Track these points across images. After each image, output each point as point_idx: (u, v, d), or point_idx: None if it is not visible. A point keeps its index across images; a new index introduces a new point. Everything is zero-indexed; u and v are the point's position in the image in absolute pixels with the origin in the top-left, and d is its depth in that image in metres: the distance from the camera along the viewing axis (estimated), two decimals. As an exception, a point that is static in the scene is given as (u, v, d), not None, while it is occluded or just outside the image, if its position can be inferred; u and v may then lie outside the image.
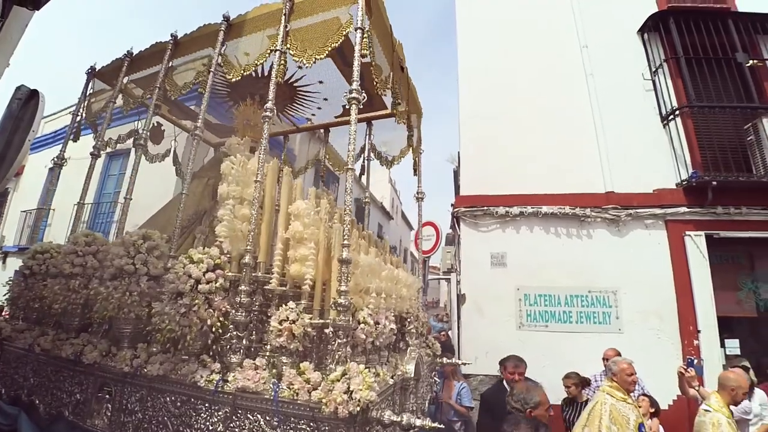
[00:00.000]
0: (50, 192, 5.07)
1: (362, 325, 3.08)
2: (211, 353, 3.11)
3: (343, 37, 3.54)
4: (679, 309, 7.09)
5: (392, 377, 3.37)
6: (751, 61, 7.43)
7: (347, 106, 3.32)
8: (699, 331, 6.92)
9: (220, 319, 3.09)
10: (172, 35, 4.40)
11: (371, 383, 2.65)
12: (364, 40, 3.43)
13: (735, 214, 7.14)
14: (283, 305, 3.07)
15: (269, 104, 3.51)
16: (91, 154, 4.75)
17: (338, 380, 2.63)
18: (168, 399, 3.13)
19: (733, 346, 7.05)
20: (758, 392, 5.32)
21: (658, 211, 7.50)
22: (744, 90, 7.53)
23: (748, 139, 7.31)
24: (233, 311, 3.16)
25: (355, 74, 3.34)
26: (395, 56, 4.20)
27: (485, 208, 8.02)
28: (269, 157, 3.61)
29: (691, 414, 5.52)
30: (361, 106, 3.38)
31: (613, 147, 7.90)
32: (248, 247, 3.23)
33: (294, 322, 2.93)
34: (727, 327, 7.12)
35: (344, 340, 2.86)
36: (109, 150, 5.32)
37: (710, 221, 7.26)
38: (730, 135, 7.40)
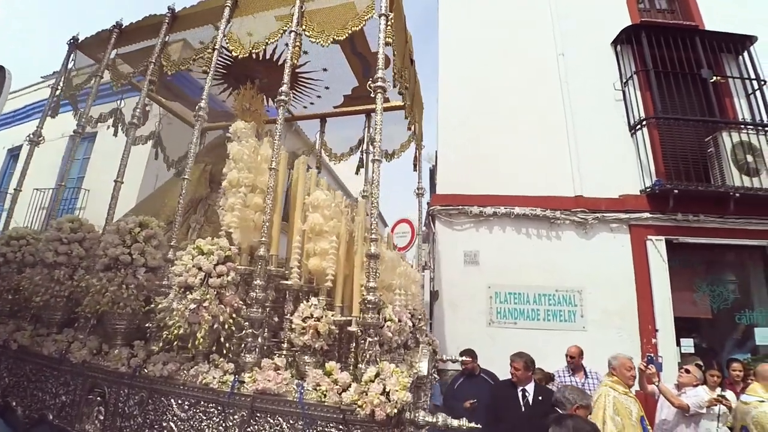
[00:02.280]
0: (25, 174, 4.56)
1: (388, 323, 2.97)
2: (224, 352, 2.89)
3: (364, 23, 3.40)
4: (639, 309, 7.39)
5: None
6: (714, 78, 7.84)
7: (351, 96, 3.22)
8: (657, 330, 7.23)
9: (233, 315, 2.89)
10: (169, 8, 4.09)
11: (406, 383, 2.55)
12: (388, 28, 3.30)
13: (693, 221, 7.51)
14: (305, 301, 2.92)
15: (284, 88, 3.32)
16: (75, 131, 4.33)
17: (372, 381, 2.51)
18: (173, 401, 2.89)
19: (688, 344, 7.41)
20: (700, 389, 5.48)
21: (622, 215, 7.78)
22: (707, 104, 7.95)
23: (709, 151, 7.70)
24: (246, 307, 2.96)
25: (381, 62, 3.22)
26: (407, 48, 4.10)
27: (460, 207, 8.07)
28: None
29: (649, 408, 5.78)
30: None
31: (583, 153, 8.14)
32: (263, 239, 3.04)
33: (319, 319, 2.78)
34: (683, 327, 7.47)
35: (375, 338, 2.74)
36: (88, 129, 4.86)
37: (670, 227, 7.61)
38: (693, 146, 7.76)
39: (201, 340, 2.77)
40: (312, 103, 5.53)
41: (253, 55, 4.02)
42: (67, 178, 4.31)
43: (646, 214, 7.68)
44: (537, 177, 8.10)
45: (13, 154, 12.60)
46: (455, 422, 2.57)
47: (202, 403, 2.82)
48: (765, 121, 7.64)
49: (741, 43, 8.15)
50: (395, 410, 2.42)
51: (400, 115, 4.94)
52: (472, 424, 2.58)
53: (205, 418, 2.79)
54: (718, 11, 8.64)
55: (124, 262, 3.19)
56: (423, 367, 3.52)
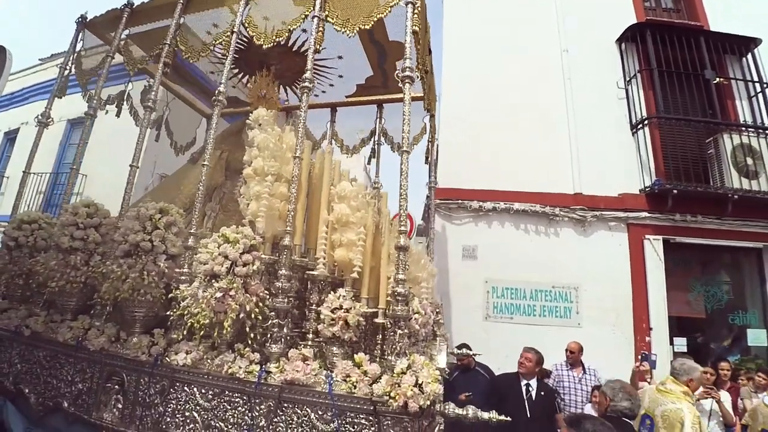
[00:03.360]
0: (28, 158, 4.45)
1: (416, 315, 2.96)
2: (249, 342, 2.86)
3: (389, 10, 3.36)
4: (634, 307, 7.44)
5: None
6: (717, 79, 7.89)
7: (364, 85, 3.18)
8: (651, 329, 7.31)
9: (258, 305, 2.86)
10: (184, -14, 3.99)
11: (437, 375, 2.56)
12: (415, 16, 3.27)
13: (691, 221, 7.58)
14: (332, 292, 2.89)
15: (308, 74, 3.28)
16: (87, 113, 4.22)
17: (404, 373, 2.50)
18: (196, 391, 2.87)
19: (681, 344, 7.51)
20: None
21: (621, 214, 7.82)
22: (709, 105, 8.00)
23: (709, 152, 7.77)
24: (272, 297, 2.93)
25: (408, 51, 3.19)
26: (426, 37, 4.06)
27: (459, 201, 8.06)
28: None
29: None
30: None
31: (584, 150, 8.15)
32: (288, 228, 3.00)
33: (348, 310, 2.77)
34: (678, 326, 7.58)
35: (405, 330, 2.73)
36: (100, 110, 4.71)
37: (668, 227, 7.67)
38: (693, 147, 7.82)
39: (227, 329, 2.74)
40: (324, 92, 5.46)
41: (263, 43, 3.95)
42: (79, 162, 4.21)
43: (645, 214, 7.72)
44: (537, 173, 8.10)
45: (10, 137, 12.32)
46: (485, 415, 2.58)
47: (226, 392, 2.80)
48: (766, 124, 7.72)
49: (745, 45, 8.19)
50: (428, 402, 2.42)
51: (413, 107, 4.91)
52: (502, 417, 2.59)
53: (229, 407, 2.77)
54: (723, 12, 8.70)
55: (145, 248, 3.13)
56: (441, 359, 3.54)
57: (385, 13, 3.38)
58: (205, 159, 3.39)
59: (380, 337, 2.99)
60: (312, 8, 3.47)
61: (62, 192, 9.46)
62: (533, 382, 4.95)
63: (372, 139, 5.50)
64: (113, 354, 3.12)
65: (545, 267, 7.74)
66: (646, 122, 7.95)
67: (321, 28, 3.40)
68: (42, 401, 3.29)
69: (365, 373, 2.63)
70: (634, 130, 8.13)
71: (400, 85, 3.16)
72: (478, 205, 8.02)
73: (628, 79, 8.37)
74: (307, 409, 2.63)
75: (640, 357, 6.65)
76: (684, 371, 4.11)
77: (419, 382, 2.46)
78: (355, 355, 2.74)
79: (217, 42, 3.77)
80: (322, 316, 2.78)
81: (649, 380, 5.04)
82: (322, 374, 2.69)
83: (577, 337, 6.41)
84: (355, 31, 3.42)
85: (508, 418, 2.60)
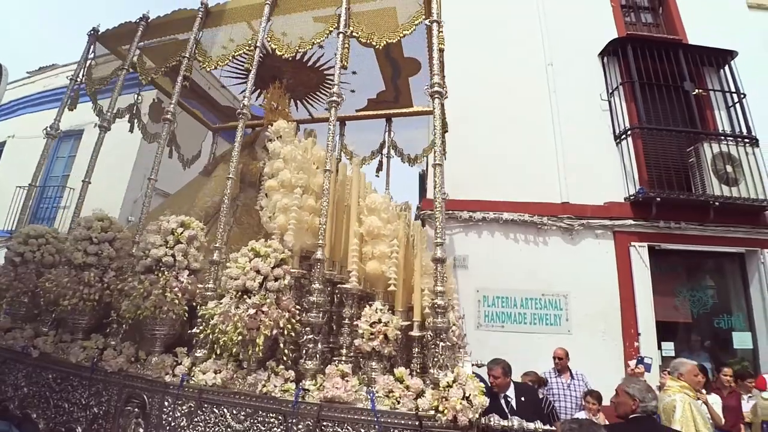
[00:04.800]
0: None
1: (453, 327, 2.93)
2: (283, 359, 2.78)
3: (414, 28, 3.38)
4: (622, 313, 7.57)
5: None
6: (696, 90, 8.21)
7: (375, 100, 3.21)
8: (639, 334, 7.44)
9: (292, 320, 2.78)
10: (202, 3, 3.92)
11: (482, 387, 2.54)
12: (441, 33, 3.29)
13: (675, 228, 7.79)
14: (368, 306, 2.84)
15: (336, 89, 3.24)
16: (100, 126, 4.06)
17: (450, 386, 2.47)
18: (227, 411, 2.76)
19: (669, 348, 7.68)
20: None
21: (607, 222, 7.99)
22: (689, 116, 8.30)
23: (690, 161, 8.02)
24: (305, 312, 2.86)
25: (436, 67, 3.20)
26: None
27: (450, 212, 8.08)
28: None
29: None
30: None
31: (570, 161, 8.31)
32: (320, 242, 2.94)
33: (387, 324, 2.72)
34: (664, 331, 7.74)
35: (447, 343, 2.69)
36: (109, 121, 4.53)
37: (653, 234, 7.86)
38: (675, 156, 8.05)
39: (261, 346, 2.66)
40: None
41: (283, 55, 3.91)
42: (90, 173, 4.01)
43: (630, 221, 7.90)
44: (525, 183, 8.21)
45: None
46: (531, 425, 2.56)
47: (260, 412, 2.71)
48: (744, 133, 8.04)
49: (722, 57, 8.53)
50: (476, 415, 2.39)
51: (421, 120, 4.96)
52: (547, 427, 2.58)
53: (263, 428, 2.68)
54: (700, 26, 9.04)
55: (167, 264, 3.02)
56: (467, 370, 3.50)
57: (410, 30, 3.39)
58: (230, 172, 3.31)
59: (416, 350, 2.94)
60: (336, 25, 3.45)
61: (49, 206, 9.22)
62: (510, 392, 4.86)
63: (381, 152, 5.46)
64: (133, 375, 2.98)
65: (535, 275, 7.82)
66: (629, 133, 8.18)
67: (347, 44, 3.37)
68: (52, 426, 3.11)
69: (408, 387, 2.58)
70: (618, 141, 8.35)
71: (428, 100, 3.17)
72: (468, 215, 8.07)
73: (610, 91, 8.62)
74: (348, 427, 2.56)
75: (635, 360, 6.75)
76: (674, 368, 4.57)
77: (467, 394, 2.43)
78: (394, 370, 2.69)
79: (237, 54, 3.70)
80: (360, 331, 2.72)
81: None
82: (362, 390, 2.62)
83: (568, 344, 6.49)
84: (381, 45, 3.41)
85: (553, 428, 2.59)
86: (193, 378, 2.83)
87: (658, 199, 7.61)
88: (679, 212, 7.77)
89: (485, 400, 2.44)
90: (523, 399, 4.82)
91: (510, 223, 8.07)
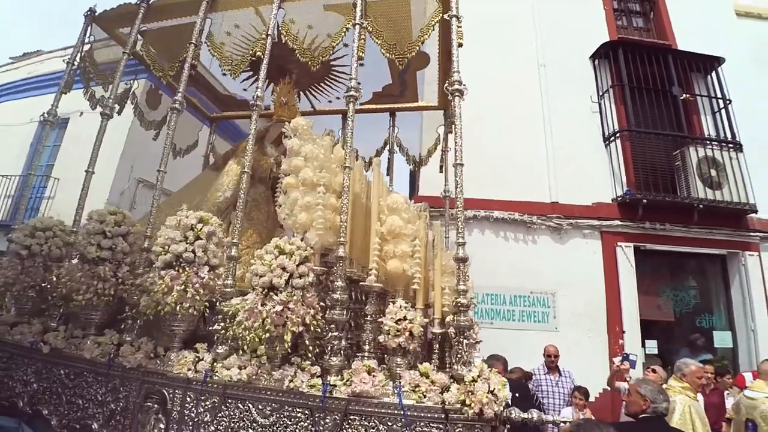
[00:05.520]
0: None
1: (475, 325, 2.99)
2: (308, 355, 2.80)
3: (433, 27, 3.40)
4: (607, 311, 7.76)
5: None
6: (684, 95, 8.44)
7: (381, 93, 3.25)
8: (624, 332, 7.64)
9: (317, 317, 2.80)
10: (207, -14, 3.84)
11: (505, 381, 2.61)
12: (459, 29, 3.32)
13: (660, 229, 8.01)
14: (391, 303, 2.88)
15: (353, 83, 3.25)
16: (102, 113, 3.95)
17: (476, 381, 2.53)
18: (251, 406, 2.76)
19: (652, 346, 7.89)
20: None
21: (595, 222, 8.16)
22: (676, 120, 8.54)
23: (676, 164, 8.23)
24: (329, 309, 2.88)
25: (456, 64, 3.24)
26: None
27: (441, 209, 8.14)
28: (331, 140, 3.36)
29: (615, 405, 6.12)
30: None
31: (560, 161, 8.46)
32: (342, 239, 2.96)
33: (412, 321, 2.76)
34: (648, 329, 7.96)
35: (471, 340, 2.75)
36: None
37: (639, 234, 8.07)
38: (662, 159, 8.27)
39: (288, 343, 2.68)
40: (338, 98, 5.36)
41: (288, 44, 3.89)
42: (94, 163, 3.88)
43: (617, 222, 8.09)
44: (515, 182, 8.33)
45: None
46: (549, 417, 2.65)
47: (286, 407, 2.72)
48: (729, 138, 8.30)
49: (710, 63, 8.77)
50: (501, 408, 2.47)
51: (427, 117, 4.98)
52: (564, 418, 2.68)
53: (290, 423, 2.70)
54: (690, 32, 9.25)
55: (188, 259, 2.99)
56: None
57: (428, 34, 3.43)
58: (245, 166, 3.29)
59: (435, 346, 3.00)
60: (352, 17, 3.44)
61: (33, 195, 8.95)
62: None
63: (386, 148, 5.45)
64: (152, 371, 2.96)
65: (524, 273, 7.94)
66: (617, 135, 8.36)
67: (363, 37, 3.37)
68: (66, 423, 3.06)
69: (433, 382, 2.64)
70: (607, 143, 8.53)
71: (450, 98, 3.19)
72: (459, 213, 8.11)
73: (601, 93, 8.80)
74: (375, 420, 2.60)
75: (621, 357, 6.89)
76: (678, 368, 4.61)
77: (491, 388, 2.49)
78: (419, 365, 2.74)
79: (258, 41, 3.64)
80: (386, 327, 2.75)
81: (628, 380, 5.26)
82: (389, 385, 2.66)
83: (554, 341, 6.61)
84: (401, 54, 3.42)
85: (569, 420, 2.68)
86: (216, 374, 2.82)
87: (645, 200, 7.83)
88: (665, 214, 7.99)
89: (508, 394, 2.52)
90: (517, 395, 4.93)
91: (500, 222, 8.18)
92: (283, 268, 2.79)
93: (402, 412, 2.55)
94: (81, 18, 4.48)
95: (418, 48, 3.44)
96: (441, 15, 3.40)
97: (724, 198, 7.84)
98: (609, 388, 5.79)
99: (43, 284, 3.42)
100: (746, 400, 4.63)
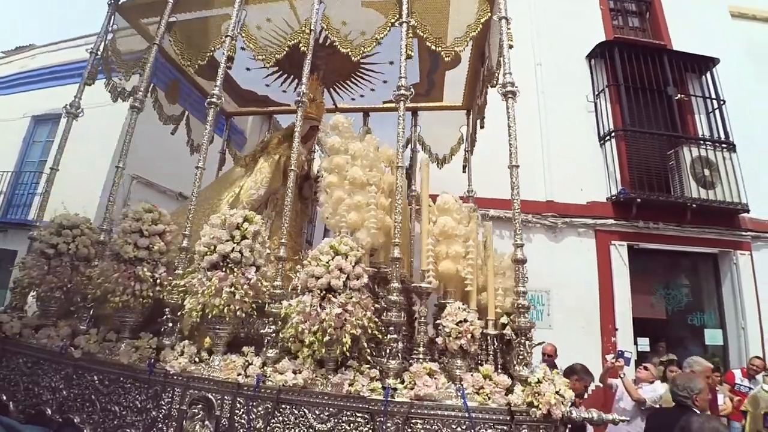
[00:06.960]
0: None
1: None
2: (367, 358, 2.73)
3: (480, 26, 3.37)
4: (601, 309, 7.89)
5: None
6: (679, 96, 8.62)
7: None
8: (617, 330, 7.78)
9: (373, 319, 2.74)
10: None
11: (567, 382, 2.61)
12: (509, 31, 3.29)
13: (653, 228, 8.17)
14: (449, 305, 2.83)
15: (403, 81, 3.18)
16: (132, 107, 3.74)
17: (541, 382, 2.52)
18: (307, 412, 2.68)
19: (644, 343, 8.06)
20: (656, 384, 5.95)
21: (589, 221, 8.27)
22: (671, 120, 8.73)
23: (670, 163, 8.42)
24: (385, 311, 2.81)
25: (507, 66, 3.21)
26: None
27: (439, 207, 8.13)
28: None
29: (607, 401, 6.21)
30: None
31: (555, 160, 8.53)
32: (396, 240, 2.89)
33: (472, 323, 2.72)
34: (641, 327, 8.10)
35: (531, 342, 2.73)
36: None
37: (632, 233, 8.21)
38: (656, 158, 8.44)
39: (347, 346, 2.60)
40: (362, 96, 5.28)
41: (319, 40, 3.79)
42: (124, 158, 3.66)
43: (611, 221, 8.22)
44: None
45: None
46: (609, 416, 2.65)
47: (345, 412, 2.65)
48: (722, 138, 8.50)
49: (705, 64, 8.94)
50: (568, 408, 2.46)
51: (448, 116, 4.94)
52: (622, 417, 2.69)
53: (349, 428, 2.63)
54: (685, 33, 9.42)
55: (235, 260, 2.88)
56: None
57: (476, 31, 3.38)
58: (292, 164, 3.17)
59: (491, 348, 2.97)
60: (397, 15, 3.37)
61: (25, 192, 8.56)
62: None
63: (409, 147, 5.38)
64: (198, 377, 2.83)
65: (519, 271, 7.96)
66: (612, 134, 8.49)
67: (410, 35, 3.30)
68: (101, 432, 2.92)
69: (496, 384, 2.61)
70: (602, 142, 8.65)
71: (503, 100, 3.17)
72: (457, 211, 8.11)
73: (596, 93, 8.92)
74: (438, 423, 2.56)
75: (615, 354, 7.00)
76: (689, 364, 4.84)
77: (557, 389, 2.48)
78: (479, 367, 2.72)
79: (299, 36, 3.51)
80: (447, 330, 2.70)
81: (622, 376, 5.35)
82: (452, 388, 2.62)
83: (549, 338, 6.64)
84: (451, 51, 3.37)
85: (627, 419, 2.70)
86: (269, 378, 2.72)
87: (639, 199, 7.96)
88: (658, 213, 8.14)
89: (572, 394, 2.51)
90: None
91: (496, 220, 8.16)
92: (341, 269, 2.70)
93: (467, 415, 2.51)
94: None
95: (467, 43, 3.37)
96: (489, 15, 3.36)
97: (717, 198, 8.03)
98: (601, 385, 5.84)
99: (70, 285, 3.23)
100: (765, 394, 4.75)
